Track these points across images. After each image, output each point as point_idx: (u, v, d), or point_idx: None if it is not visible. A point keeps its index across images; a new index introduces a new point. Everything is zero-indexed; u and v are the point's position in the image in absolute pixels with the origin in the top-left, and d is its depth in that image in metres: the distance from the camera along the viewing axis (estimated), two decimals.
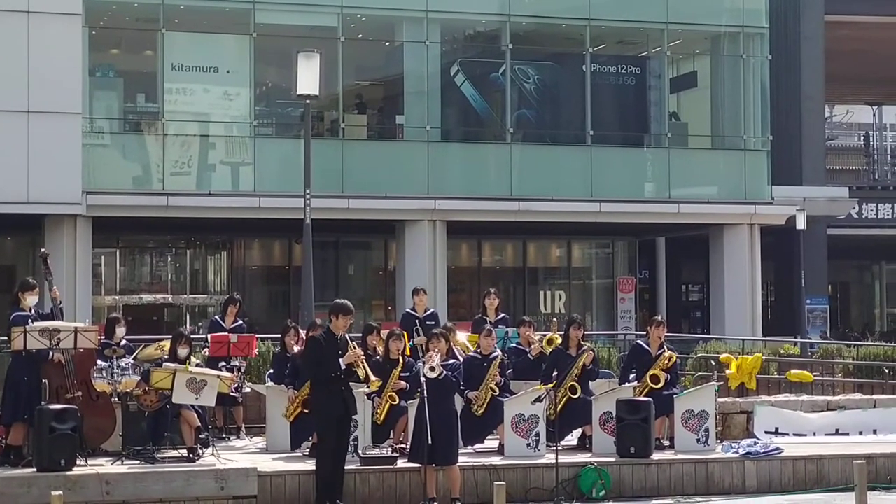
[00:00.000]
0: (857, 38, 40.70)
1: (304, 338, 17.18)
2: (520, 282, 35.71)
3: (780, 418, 18.29)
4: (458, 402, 15.83)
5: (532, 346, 17.83)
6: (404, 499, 15.16)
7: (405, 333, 17.27)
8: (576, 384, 16.64)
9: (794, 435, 18.08)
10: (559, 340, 17.33)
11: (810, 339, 32.83)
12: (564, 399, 16.54)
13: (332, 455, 14.49)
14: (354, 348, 14.70)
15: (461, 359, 16.37)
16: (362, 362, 14.61)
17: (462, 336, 18.12)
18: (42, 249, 18.23)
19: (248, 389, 18.35)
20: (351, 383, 14.73)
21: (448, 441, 14.70)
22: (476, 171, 31.74)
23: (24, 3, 26.87)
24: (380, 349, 16.58)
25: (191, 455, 15.25)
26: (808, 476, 16.62)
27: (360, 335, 17.05)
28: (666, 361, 17.20)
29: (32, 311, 15.47)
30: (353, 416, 14.98)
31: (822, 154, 40.83)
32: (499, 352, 16.78)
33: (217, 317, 19.53)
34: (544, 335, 18.50)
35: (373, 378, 14.90)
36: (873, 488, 14.99)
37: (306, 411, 15.99)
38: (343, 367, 14.37)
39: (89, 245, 28.54)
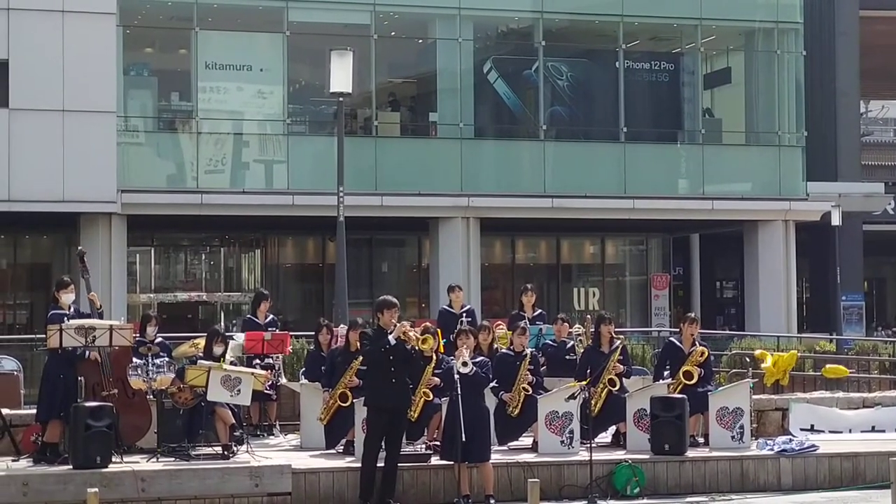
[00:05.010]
0: (893, 33, 40.43)
1: (342, 336, 17.22)
2: (553, 278, 35.65)
3: (816, 415, 18.21)
4: (489, 400, 15.80)
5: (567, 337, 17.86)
6: (438, 496, 15.17)
7: (439, 331, 17.25)
8: (615, 377, 16.63)
9: (830, 432, 18.00)
10: (589, 341, 17.37)
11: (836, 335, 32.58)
12: (605, 392, 16.52)
13: (377, 449, 14.51)
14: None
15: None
16: (409, 332, 14.54)
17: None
18: (79, 247, 18.34)
19: (283, 380, 18.40)
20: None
21: (481, 438, 14.69)
22: (509, 168, 31.73)
23: (58, 2, 27.03)
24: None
25: (225, 452, 15.30)
26: (843, 473, 16.54)
27: None
28: (698, 357, 17.14)
29: (70, 310, 15.56)
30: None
31: (858, 150, 40.53)
32: (528, 350, 16.74)
33: (249, 315, 19.58)
34: (580, 329, 18.50)
35: (423, 337, 14.82)
36: None
37: (343, 405, 16.02)
38: (392, 342, 14.35)
39: (124, 243, 28.68)
